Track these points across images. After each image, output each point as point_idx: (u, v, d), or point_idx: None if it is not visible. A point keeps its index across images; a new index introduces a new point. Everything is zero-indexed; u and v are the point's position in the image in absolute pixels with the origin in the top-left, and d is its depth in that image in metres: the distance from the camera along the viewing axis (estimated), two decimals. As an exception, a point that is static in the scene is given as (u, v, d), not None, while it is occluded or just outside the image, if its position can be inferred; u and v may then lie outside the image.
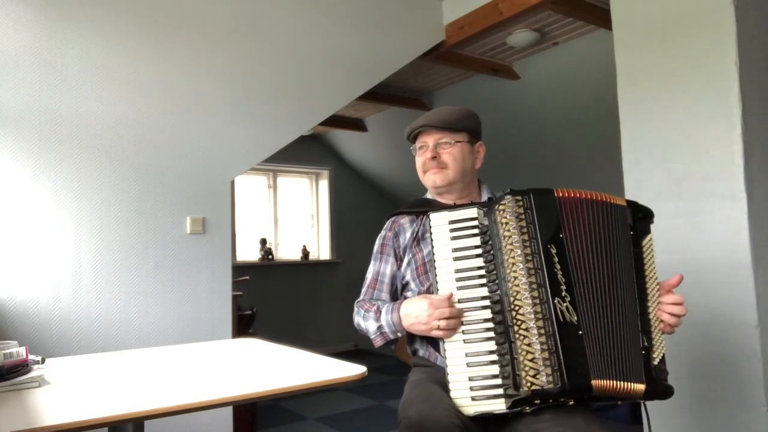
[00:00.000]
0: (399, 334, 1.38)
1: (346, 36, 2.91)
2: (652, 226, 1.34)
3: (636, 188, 2.11)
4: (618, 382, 1.19)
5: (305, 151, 5.74)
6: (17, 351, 1.06)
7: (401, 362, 5.22)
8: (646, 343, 1.24)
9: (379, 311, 1.42)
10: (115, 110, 2.29)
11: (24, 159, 2.11)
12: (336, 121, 5.05)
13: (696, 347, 1.93)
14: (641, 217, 1.32)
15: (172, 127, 2.41)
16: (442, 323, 1.23)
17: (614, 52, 2.21)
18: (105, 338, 2.21)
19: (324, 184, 6.04)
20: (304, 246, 5.78)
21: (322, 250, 6.02)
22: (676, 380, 1.96)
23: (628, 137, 2.16)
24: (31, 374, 1.04)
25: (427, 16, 3.22)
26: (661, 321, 1.27)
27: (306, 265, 5.76)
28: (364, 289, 1.56)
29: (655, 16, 2.07)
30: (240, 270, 4.68)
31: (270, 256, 5.49)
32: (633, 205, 1.33)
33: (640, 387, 1.21)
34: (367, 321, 1.45)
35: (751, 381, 1.80)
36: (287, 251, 5.80)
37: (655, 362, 1.24)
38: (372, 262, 1.58)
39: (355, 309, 1.52)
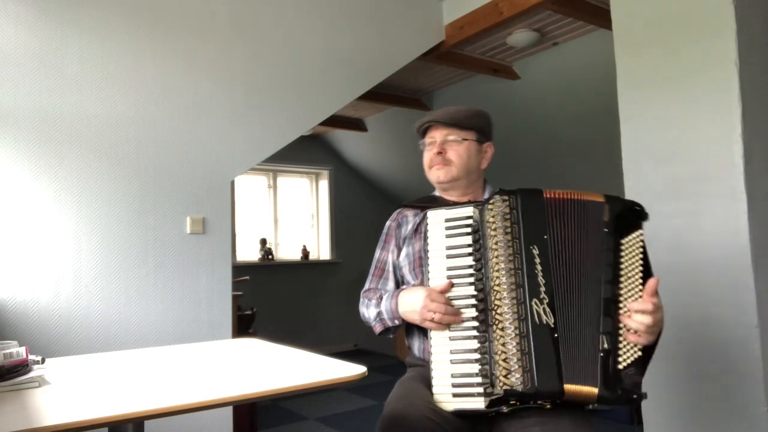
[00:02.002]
0: (396, 322, 1.41)
1: (346, 36, 2.91)
2: (653, 226, 1.31)
3: (636, 188, 2.11)
4: (582, 386, 1.15)
5: (305, 151, 5.74)
6: (17, 351, 1.06)
7: (401, 362, 5.21)
8: (606, 345, 1.16)
9: (380, 298, 1.46)
10: (115, 110, 2.29)
11: (24, 159, 2.11)
12: (336, 121, 5.04)
13: (696, 347, 1.93)
14: (620, 214, 1.24)
15: (172, 127, 2.41)
16: (436, 316, 1.24)
17: (614, 52, 2.21)
18: (105, 338, 2.21)
19: (324, 184, 6.04)
20: (304, 246, 5.78)
21: (322, 250, 6.02)
22: (676, 380, 1.96)
23: (628, 137, 2.16)
24: (31, 374, 1.04)
25: (427, 16, 3.22)
26: (628, 327, 1.17)
27: (306, 265, 5.76)
28: (369, 278, 1.60)
29: (655, 16, 2.07)
30: (240, 270, 4.67)
31: (270, 256, 5.49)
32: (613, 201, 1.26)
33: (593, 390, 1.14)
34: (369, 309, 1.49)
35: (751, 381, 1.79)
36: (287, 251, 5.80)
37: (620, 366, 1.15)
38: (377, 251, 1.62)
39: (361, 299, 1.56)
